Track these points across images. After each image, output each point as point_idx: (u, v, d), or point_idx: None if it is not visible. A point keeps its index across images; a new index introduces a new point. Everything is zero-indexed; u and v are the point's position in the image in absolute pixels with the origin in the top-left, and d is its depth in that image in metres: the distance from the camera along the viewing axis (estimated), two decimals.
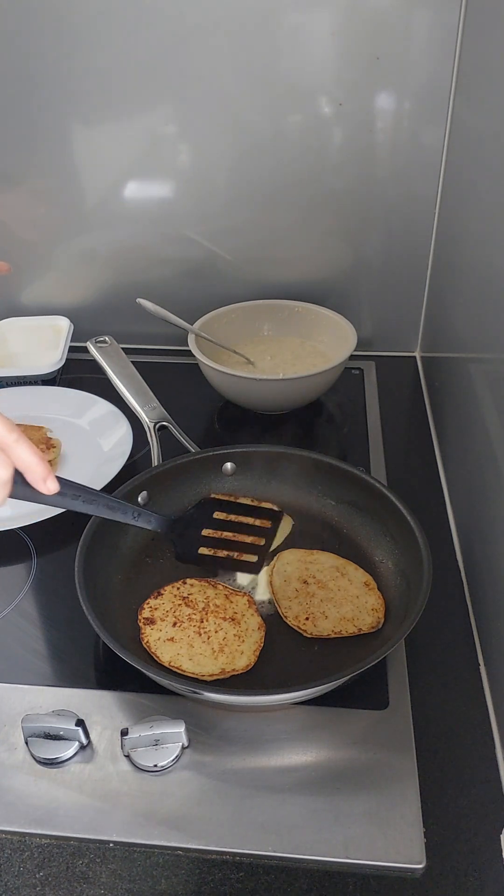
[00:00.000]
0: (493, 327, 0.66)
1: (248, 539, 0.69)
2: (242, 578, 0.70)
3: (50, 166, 1.02)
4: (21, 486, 0.48)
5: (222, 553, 0.68)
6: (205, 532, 0.68)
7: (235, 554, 0.68)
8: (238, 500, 0.76)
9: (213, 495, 0.68)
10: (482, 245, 0.72)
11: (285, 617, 0.65)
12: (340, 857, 0.50)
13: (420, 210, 1.00)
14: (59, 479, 0.50)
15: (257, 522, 0.70)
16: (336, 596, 0.66)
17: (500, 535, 0.61)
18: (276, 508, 0.69)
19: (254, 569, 0.67)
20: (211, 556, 0.67)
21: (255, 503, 0.75)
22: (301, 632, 0.64)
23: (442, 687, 0.61)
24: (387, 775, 0.54)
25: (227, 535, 0.69)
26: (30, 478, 0.48)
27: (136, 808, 0.53)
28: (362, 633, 0.63)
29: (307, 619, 0.65)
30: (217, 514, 0.67)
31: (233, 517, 0.68)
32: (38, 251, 1.10)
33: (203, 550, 0.67)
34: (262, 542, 0.67)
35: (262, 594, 0.68)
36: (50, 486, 0.49)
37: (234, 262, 1.08)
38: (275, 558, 0.71)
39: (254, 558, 0.68)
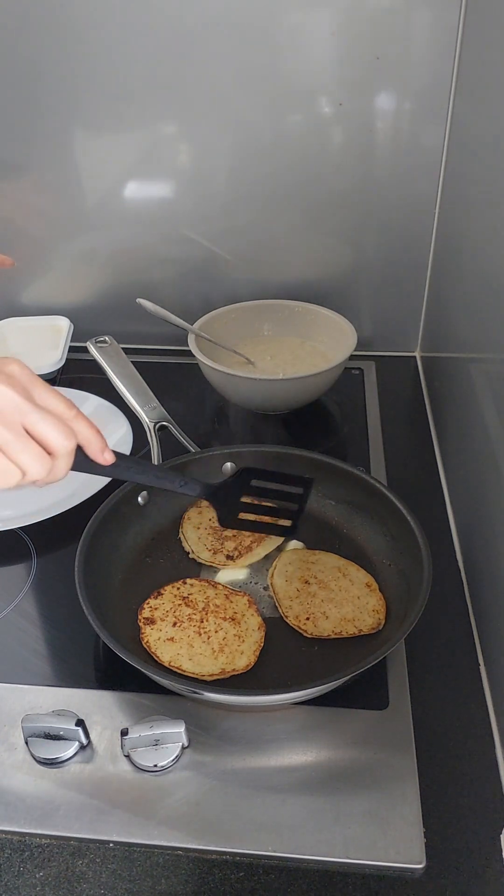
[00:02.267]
0: (493, 327, 0.66)
1: (283, 504, 0.70)
2: (223, 575, 0.71)
3: (50, 166, 1.02)
4: (81, 458, 0.51)
5: (260, 518, 0.70)
6: (244, 499, 0.69)
7: (272, 519, 0.70)
8: (272, 470, 0.77)
9: (249, 466, 0.70)
10: (482, 245, 0.72)
11: (286, 617, 0.65)
12: (340, 857, 0.50)
13: (420, 210, 1.00)
14: (114, 452, 0.54)
15: (291, 490, 0.71)
16: (337, 596, 0.66)
17: (500, 535, 0.61)
18: (306, 475, 0.71)
19: (289, 531, 0.70)
20: (251, 521, 0.69)
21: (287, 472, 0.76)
22: (301, 632, 0.64)
23: (442, 687, 0.61)
24: (387, 775, 0.54)
25: (265, 502, 0.70)
26: (90, 451, 0.52)
27: (136, 808, 0.53)
28: (363, 633, 0.63)
29: (308, 619, 0.65)
30: (255, 482, 0.69)
31: (270, 485, 0.70)
32: (38, 251, 1.10)
33: (243, 516, 0.69)
34: (296, 507, 0.69)
35: (235, 575, 0.70)
36: (107, 457, 0.53)
37: (234, 263, 1.08)
38: (276, 558, 0.71)
39: (288, 522, 0.70)
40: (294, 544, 0.74)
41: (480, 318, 0.72)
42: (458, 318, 0.84)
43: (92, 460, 0.53)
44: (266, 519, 0.70)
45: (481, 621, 0.66)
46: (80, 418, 0.50)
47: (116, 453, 0.55)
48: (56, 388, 0.99)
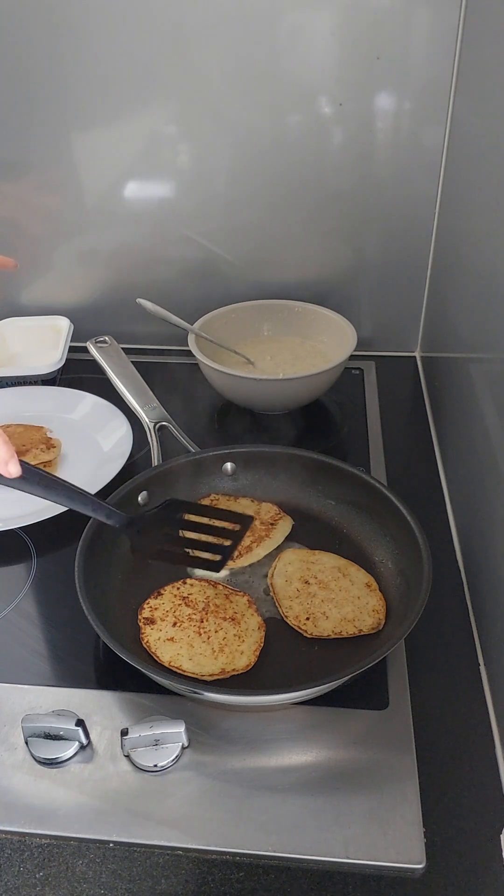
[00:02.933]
0: (493, 327, 0.66)
1: (213, 539, 0.66)
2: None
3: (50, 166, 1.02)
4: None
5: (181, 550, 0.66)
6: (169, 531, 0.67)
7: (195, 552, 0.66)
8: (206, 504, 0.75)
9: (176, 497, 0.67)
10: (482, 245, 0.72)
11: (286, 617, 0.65)
12: (340, 857, 0.50)
13: (420, 210, 1.00)
14: (23, 463, 0.52)
15: (227, 525, 0.67)
16: (337, 596, 0.66)
17: (500, 535, 0.61)
18: (246, 514, 0.67)
19: (214, 567, 0.65)
20: (168, 551, 0.66)
21: (227, 507, 0.74)
22: (301, 632, 0.64)
23: (442, 687, 0.61)
24: (387, 775, 0.54)
25: (191, 535, 0.66)
26: None
27: (136, 808, 0.53)
28: (363, 633, 0.63)
29: (308, 619, 0.65)
30: (188, 516, 0.66)
31: (203, 519, 0.67)
32: (38, 251, 1.10)
33: (164, 546, 0.66)
34: (228, 542, 0.65)
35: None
36: (11, 470, 0.51)
37: (234, 263, 1.08)
38: (276, 558, 0.71)
39: (216, 557, 0.65)
40: (294, 545, 0.74)
41: (480, 318, 0.72)
42: (458, 318, 0.84)
43: None
44: (195, 552, 0.65)
45: (481, 621, 0.66)
46: None
47: (29, 468, 0.53)
48: (56, 387, 0.98)
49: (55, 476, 0.58)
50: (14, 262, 0.89)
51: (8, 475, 0.51)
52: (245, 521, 0.66)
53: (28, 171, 1.03)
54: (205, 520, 0.66)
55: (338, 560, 0.71)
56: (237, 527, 0.66)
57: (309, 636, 0.63)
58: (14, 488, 0.54)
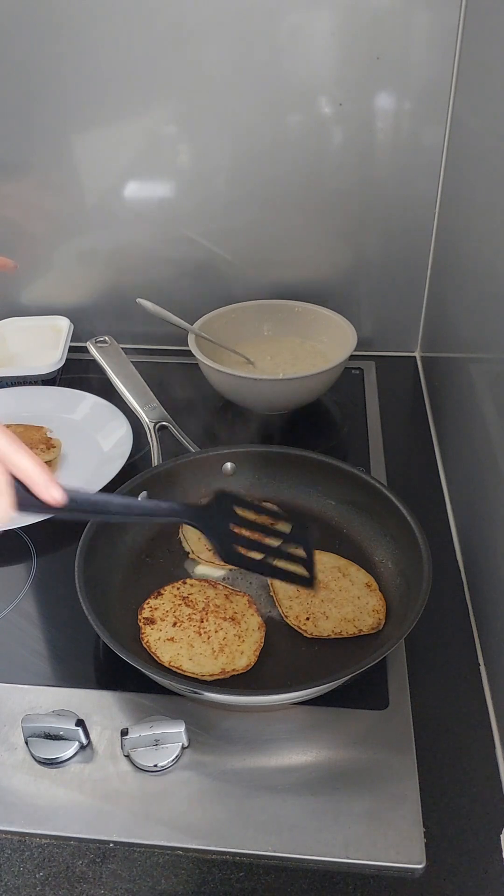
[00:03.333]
0: (493, 327, 0.66)
1: (288, 547, 0.61)
2: (200, 569, 0.71)
3: (50, 166, 1.02)
4: (32, 500, 0.45)
5: (266, 558, 0.60)
6: (235, 529, 0.60)
7: (277, 561, 0.60)
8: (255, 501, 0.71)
9: (225, 489, 0.61)
10: (482, 245, 0.72)
11: (286, 617, 0.65)
12: (340, 857, 0.50)
13: (420, 210, 1.00)
14: (69, 490, 0.47)
15: (280, 526, 0.63)
16: (337, 596, 0.66)
17: (500, 535, 0.61)
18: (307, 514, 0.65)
19: (308, 582, 0.60)
20: (249, 558, 0.59)
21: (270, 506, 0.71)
22: (301, 632, 0.64)
23: (442, 687, 0.61)
24: (387, 775, 0.54)
25: (257, 535, 0.60)
26: (32, 487, 0.45)
27: (136, 808, 0.53)
28: (363, 633, 0.63)
29: (308, 619, 0.64)
30: (241, 511, 0.60)
31: (263, 519, 0.61)
32: (38, 251, 1.10)
33: (242, 550, 0.59)
34: (303, 553, 0.60)
35: (212, 571, 0.70)
36: (55, 494, 0.46)
37: (234, 263, 1.08)
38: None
39: (303, 570, 0.60)
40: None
41: (480, 318, 0.72)
42: (458, 318, 0.84)
43: (40, 499, 0.46)
44: (281, 564, 0.60)
45: (481, 621, 0.66)
46: (20, 453, 0.44)
47: (73, 491, 0.47)
48: (56, 387, 0.98)
49: (100, 493, 0.52)
50: (14, 263, 0.89)
51: (51, 501, 0.46)
52: (307, 525, 0.62)
53: (28, 172, 1.03)
54: (266, 519, 0.61)
55: (338, 560, 0.70)
56: (302, 533, 0.61)
57: (309, 636, 0.63)
58: (61, 517, 0.48)
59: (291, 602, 0.66)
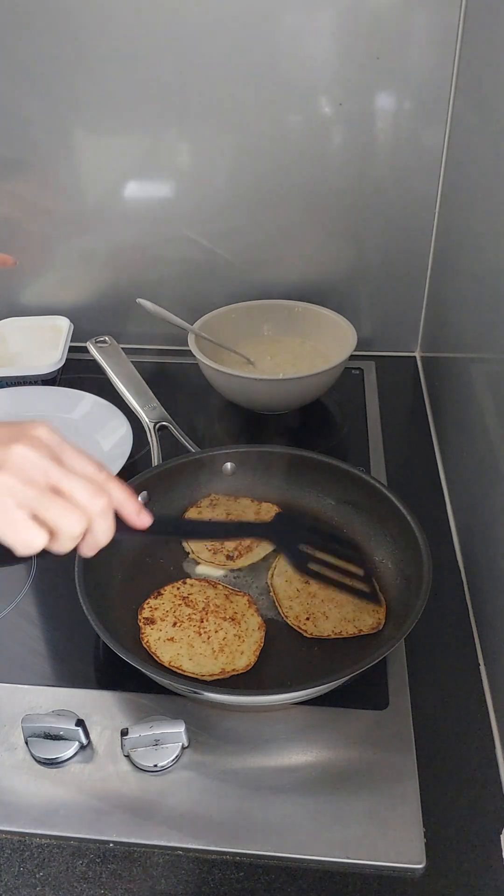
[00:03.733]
0: (493, 327, 0.66)
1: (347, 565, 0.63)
2: (201, 569, 0.71)
3: (50, 166, 1.02)
4: (119, 524, 0.49)
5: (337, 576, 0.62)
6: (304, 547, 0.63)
7: (342, 577, 0.62)
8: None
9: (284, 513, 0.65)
10: (482, 245, 0.72)
11: (286, 617, 0.65)
12: (340, 857, 0.50)
13: (420, 210, 1.00)
14: (151, 513, 0.51)
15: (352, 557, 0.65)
16: (337, 596, 0.66)
17: (500, 535, 0.61)
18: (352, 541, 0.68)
19: (371, 597, 0.63)
20: (321, 574, 0.62)
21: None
22: (301, 632, 0.64)
23: (442, 687, 0.61)
24: (387, 775, 0.54)
25: (328, 557, 0.63)
26: (123, 513, 0.49)
27: (136, 808, 0.53)
28: (363, 633, 0.63)
29: (308, 619, 0.64)
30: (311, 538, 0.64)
31: (329, 558, 0.63)
32: (38, 251, 1.10)
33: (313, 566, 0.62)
34: (360, 571, 0.64)
35: (212, 571, 0.71)
36: (143, 520, 0.50)
37: (234, 262, 1.08)
38: (276, 558, 0.71)
39: (366, 587, 0.63)
40: None
41: (480, 318, 0.72)
42: (459, 318, 0.84)
43: (129, 525, 0.50)
44: (344, 579, 0.62)
45: (481, 621, 0.66)
46: (112, 480, 0.48)
47: (156, 515, 0.52)
48: (56, 387, 0.99)
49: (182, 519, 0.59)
50: (13, 259, 0.89)
51: (140, 525, 0.50)
52: (357, 553, 0.66)
53: (28, 172, 1.03)
54: (330, 558, 0.63)
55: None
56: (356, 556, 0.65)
57: (309, 636, 0.63)
58: (150, 535, 0.52)
59: (291, 602, 0.66)
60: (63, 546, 0.46)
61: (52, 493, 0.44)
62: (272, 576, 0.69)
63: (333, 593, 0.67)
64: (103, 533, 0.48)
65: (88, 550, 0.48)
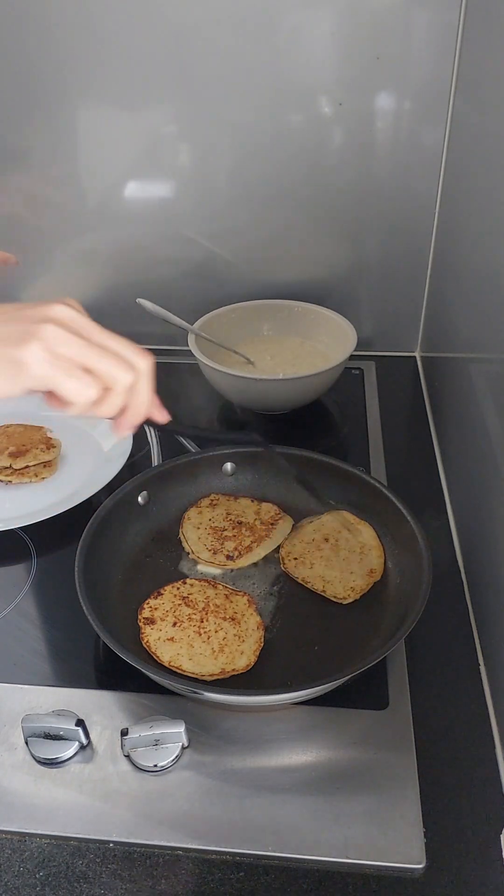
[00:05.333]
0: (493, 327, 0.66)
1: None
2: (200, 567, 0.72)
3: (50, 166, 1.02)
4: None
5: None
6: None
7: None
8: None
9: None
10: (482, 245, 0.72)
11: (281, 559, 0.71)
12: (340, 857, 0.50)
13: (420, 210, 1.00)
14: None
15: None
16: (335, 559, 0.70)
17: (500, 536, 0.61)
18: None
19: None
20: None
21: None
22: (285, 572, 0.69)
23: (442, 687, 0.61)
24: (387, 775, 0.54)
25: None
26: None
27: (136, 808, 0.53)
28: (325, 594, 0.67)
29: (296, 559, 0.70)
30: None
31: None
32: (38, 251, 1.10)
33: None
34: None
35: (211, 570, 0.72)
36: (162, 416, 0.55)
37: (234, 262, 1.08)
38: (282, 545, 0.73)
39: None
40: (286, 520, 0.77)
41: (481, 317, 0.72)
42: (459, 318, 0.84)
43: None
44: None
45: (481, 621, 0.66)
46: (143, 354, 0.52)
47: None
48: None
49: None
50: (15, 258, 0.89)
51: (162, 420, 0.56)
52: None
53: (29, 172, 1.03)
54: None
55: (342, 517, 0.74)
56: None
57: (283, 571, 0.70)
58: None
59: (292, 548, 0.72)
60: (112, 403, 0.49)
61: (100, 348, 0.47)
62: (285, 563, 0.72)
63: (333, 555, 0.70)
64: (145, 396, 0.52)
65: (127, 424, 0.51)
